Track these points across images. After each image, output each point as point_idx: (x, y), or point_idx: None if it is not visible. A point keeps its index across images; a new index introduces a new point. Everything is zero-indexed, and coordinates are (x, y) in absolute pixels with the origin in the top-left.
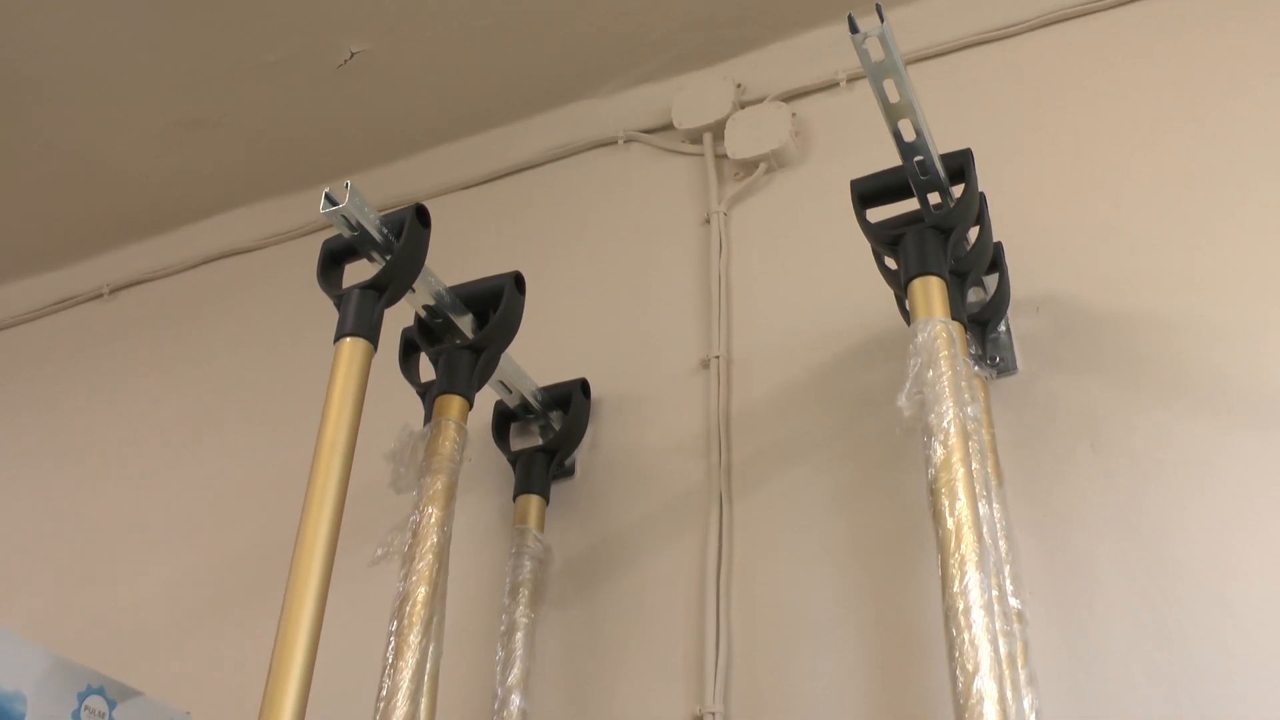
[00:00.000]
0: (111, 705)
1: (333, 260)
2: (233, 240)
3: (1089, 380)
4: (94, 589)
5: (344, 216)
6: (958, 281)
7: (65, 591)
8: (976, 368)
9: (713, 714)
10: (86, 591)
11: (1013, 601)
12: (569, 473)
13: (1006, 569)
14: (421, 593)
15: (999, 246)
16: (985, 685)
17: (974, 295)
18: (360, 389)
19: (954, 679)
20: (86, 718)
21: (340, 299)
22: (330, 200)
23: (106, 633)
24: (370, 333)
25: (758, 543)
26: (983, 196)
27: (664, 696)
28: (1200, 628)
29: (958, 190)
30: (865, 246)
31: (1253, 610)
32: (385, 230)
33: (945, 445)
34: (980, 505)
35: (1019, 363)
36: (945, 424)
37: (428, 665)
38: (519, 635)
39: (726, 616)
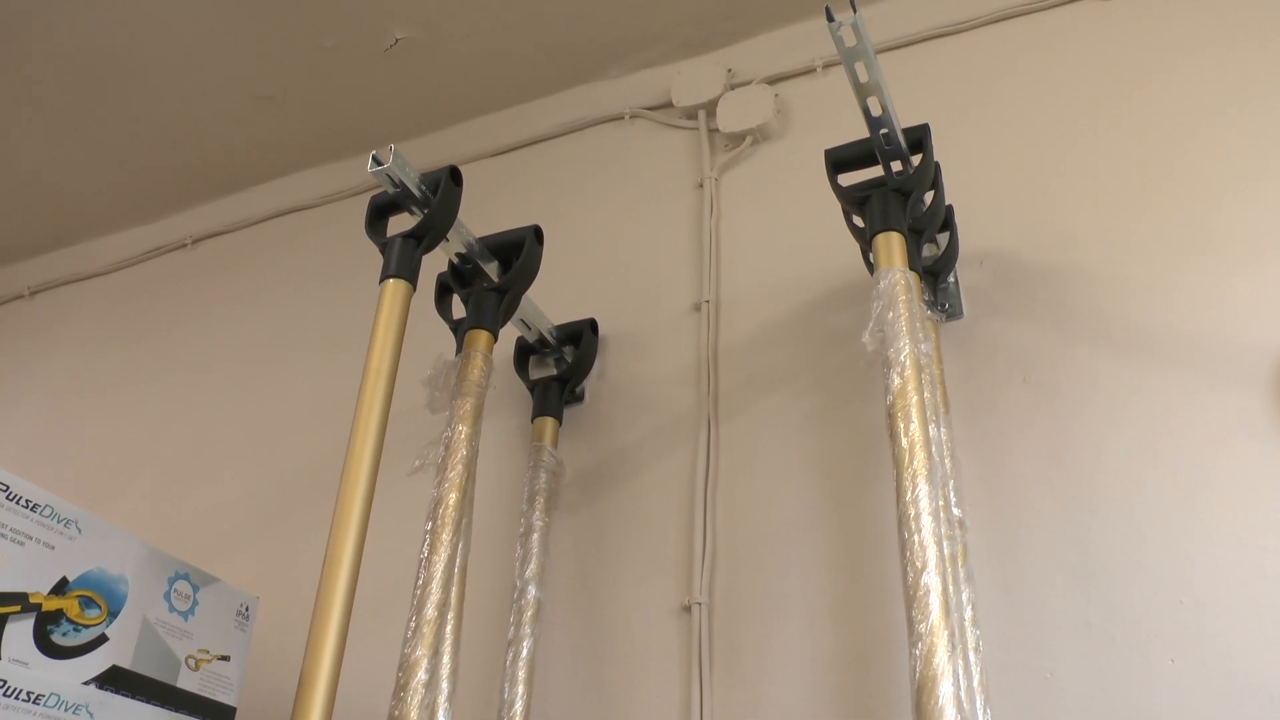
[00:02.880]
0: (195, 589)
1: (378, 213)
2: (296, 198)
3: (1024, 325)
4: (181, 493)
5: (388, 175)
6: (915, 238)
7: (157, 495)
8: (929, 312)
9: (699, 603)
10: (175, 495)
11: (955, 511)
12: (579, 399)
13: (951, 484)
14: (453, 498)
15: (950, 209)
16: (931, 580)
17: (928, 250)
18: (401, 323)
19: (905, 574)
20: (175, 598)
21: (384, 246)
22: (376, 161)
23: (191, 529)
24: (410, 275)
25: (740, 459)
26: (937, 165)
27: (658, 588)
28: (1111, 537)
29: (917, 159)
30: (836, 208)
31: (1156, 523)
32: (423, 187)
33: (901, 376)
34: (930, 428)
35: (965, 309)
36: (902, 358)
37: (457, 559)
38: (535, 536)
39: (712, 521)
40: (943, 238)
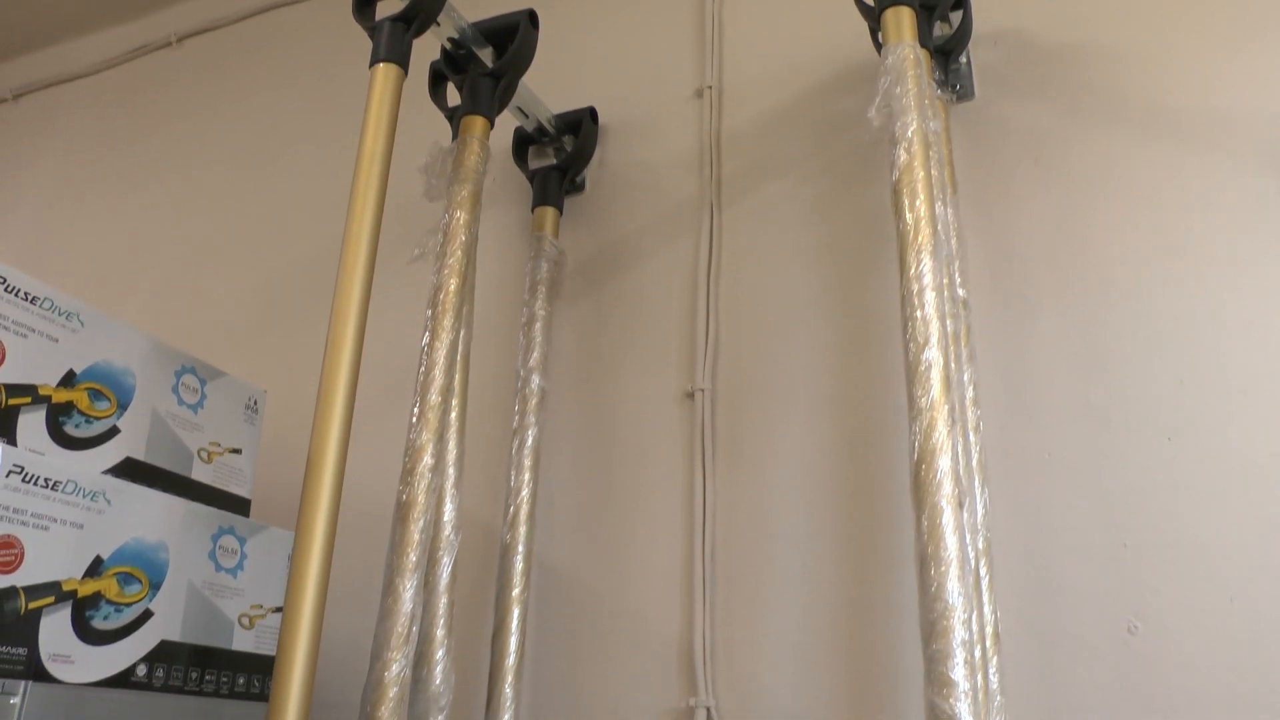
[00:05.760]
0: (203, 382)
1: None
2: None
3: (1037, 105)
4: (180, 294)
5: None
6: (926, 14)
7: (157, 297)
8: (939, 92)
9: (701, 389)
10: (174, 296)
11: (960, 291)
12: (579, 188)
13: (955, 264)
14: (453, 284)
15: None
16: (933, 355)
17: (939, 29)
18: (394, 108)
19: (906, 350)
20: (183, 391)
21: (374, 30)
22: None
23: (193, 329)
24: (400, 59)
25: (742, 245)
26: None
27: (660, 375)
28: (1115, 318)
29: None
30: None
31: (1161, 305)
32: None
33: (909, 151)
34: (936, 206)
35: (976, 90)
36: (909, 134)
37: (459, 347)
38: (538, 325)
39: (714, 307)
40: (955, 16)
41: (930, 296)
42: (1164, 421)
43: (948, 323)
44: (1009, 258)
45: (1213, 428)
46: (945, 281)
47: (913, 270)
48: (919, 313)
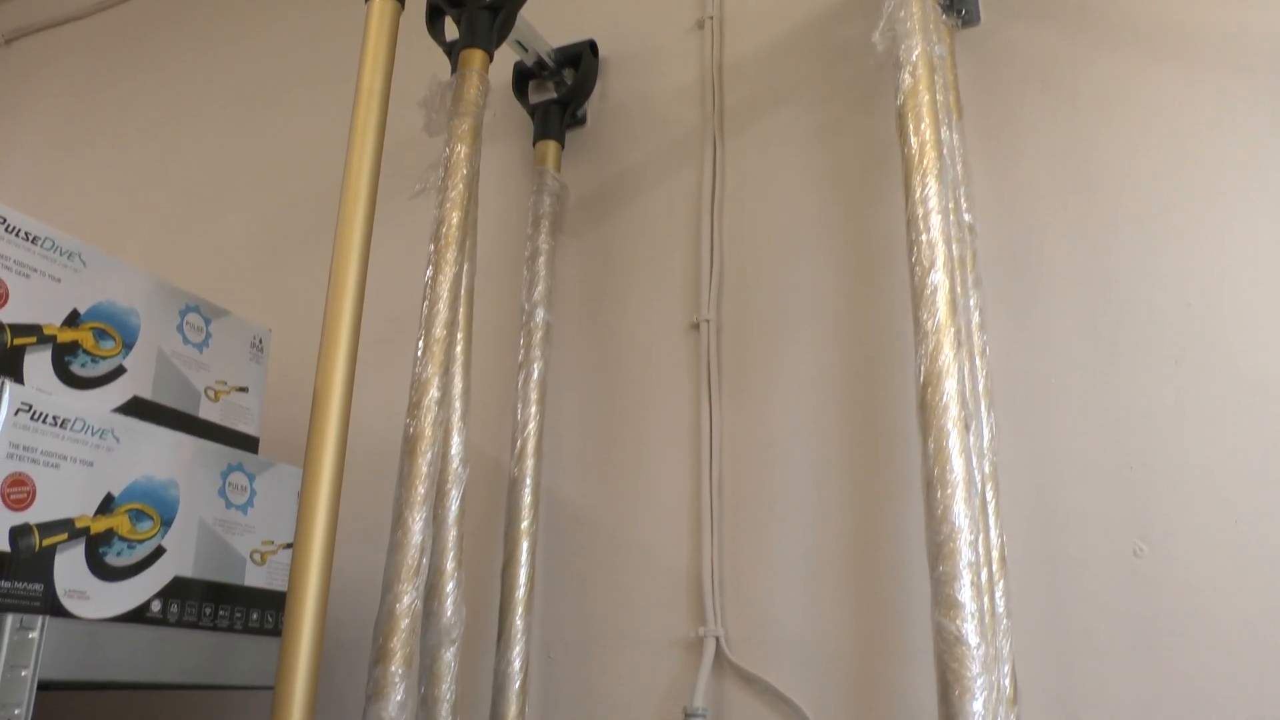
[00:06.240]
0: (207, 321)
1: None
2: None
3: (1044, 29)
4: (181, 236)
5: None
6: None
7: (157, 239)
8: (944, 16)
9: (706, 320)
10: (175, 237)
11: (965, 216)
12: (581, 121)
13: (961, 190)
14: (455, 217)
15: None
16: (939, 279)
17: None
18: (391, 42)
19: (912, 274)
20: (188, 330)
21: None
22: None
23: (195, 269)
24: None
25: (746, 175)
26: None
27: (665, 307)
28: (1123, 243)
29: None
30: None
31: (1169, 228)
32: None
33: (913, 75)
34: (942, 130)
35: (982, 14)
36: (914, 57)
37: (463, 281)
38: (541, 259)
39: (719, 238)
40: None
41: (936, 220)
42: (1171, 345)
43: (953, 247)
44: (1015, 183)
45: (1220, 350)
46: (951, 206)
47: (918, 194)
48: (924, 236)
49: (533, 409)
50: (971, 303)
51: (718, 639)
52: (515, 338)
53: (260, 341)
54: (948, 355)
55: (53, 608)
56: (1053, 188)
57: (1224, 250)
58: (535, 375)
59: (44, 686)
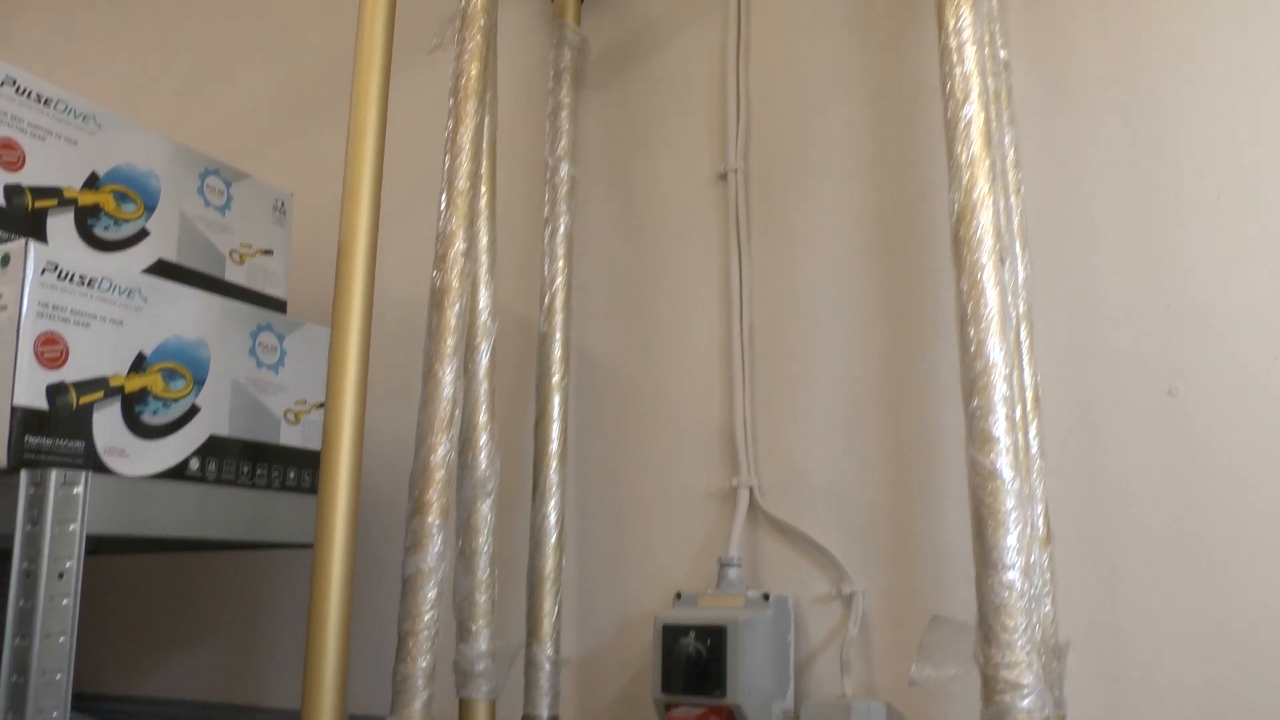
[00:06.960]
0: (228, 184)
1: None
2: None
3: None
4: (200, 97)
5: None
6: None
7: (173, 106)
8: None
9: (735, 169)
10: (194, 99)
11: (1001, 53)
12: None
13: (996, 25)
14: (474, 69)
15: None
16: (973, 111)
17: None
18: None
19: (946, 107)
20: (209, 193)
21: None
22: None
23: (213, 135)
24: None
25: (772, 20)
26: None
27: (692, 158)
28: (1164, 76)
29: None
30: None
31: (1215, 61)
32: None
33: None
34: None
35: None
36: None
37: (485, 134)
38: (564, 114)
39: (745, 86)
40: None
41: (970, 51)
42: (1213, 180)
43: (989, 80)
44: (1051, 13)
45: (1265, 185)
46: (986, 39)
47: (952, 24)
48: (959, 69)
49: (560, 264)
50: (1006, 140)
51: (751, 489)
52: (540, 194)
53: (282, 204)
54: (982, 188)
55: (95, 464)
56: (1091, 19)
57: (1274, 80)
58: (562, 230)
59: (91, 543)
